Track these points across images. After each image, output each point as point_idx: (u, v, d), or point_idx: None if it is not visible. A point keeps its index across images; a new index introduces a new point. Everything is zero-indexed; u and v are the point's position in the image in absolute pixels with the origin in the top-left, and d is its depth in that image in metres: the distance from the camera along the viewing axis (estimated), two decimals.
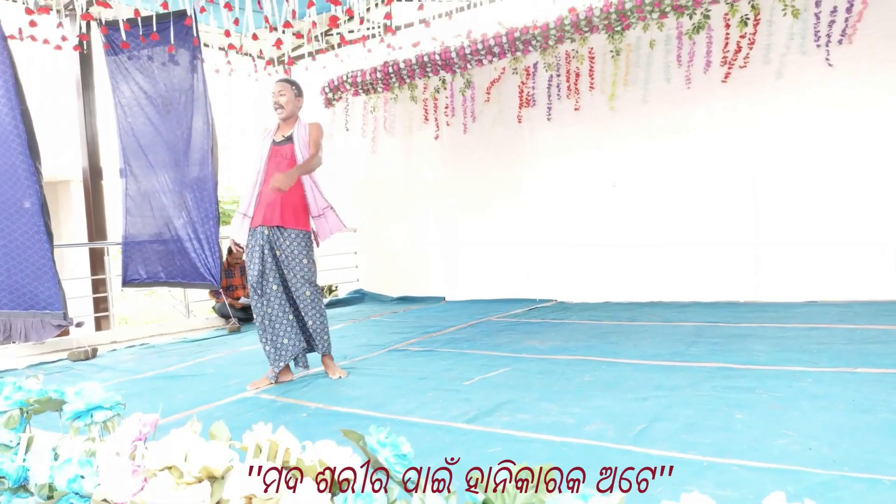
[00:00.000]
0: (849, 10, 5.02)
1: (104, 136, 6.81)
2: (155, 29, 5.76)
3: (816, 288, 5.32)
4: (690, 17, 5.73)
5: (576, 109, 6.56)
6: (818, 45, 5.23)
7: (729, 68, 5.61)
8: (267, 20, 6.00)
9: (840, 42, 5.11)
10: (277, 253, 3.54)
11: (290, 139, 3.59)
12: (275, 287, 3.56)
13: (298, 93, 3.67)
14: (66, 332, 5.47)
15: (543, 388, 3.08)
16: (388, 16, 6.03)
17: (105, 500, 1.35)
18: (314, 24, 6.01)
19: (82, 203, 7.03)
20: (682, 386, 2.91)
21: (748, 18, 5.48)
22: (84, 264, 6.98)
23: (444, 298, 7.64)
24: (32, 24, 5.63)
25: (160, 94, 6.12)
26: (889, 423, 2.21)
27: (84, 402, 1.56)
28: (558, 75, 6.62)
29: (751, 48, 5.50)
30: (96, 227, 6.71)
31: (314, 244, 3.70)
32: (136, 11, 5.80)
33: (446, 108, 7.47)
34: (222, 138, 6.30)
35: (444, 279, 7.68)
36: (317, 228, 3.71)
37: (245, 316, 6.75)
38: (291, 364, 3.74)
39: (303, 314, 3.62)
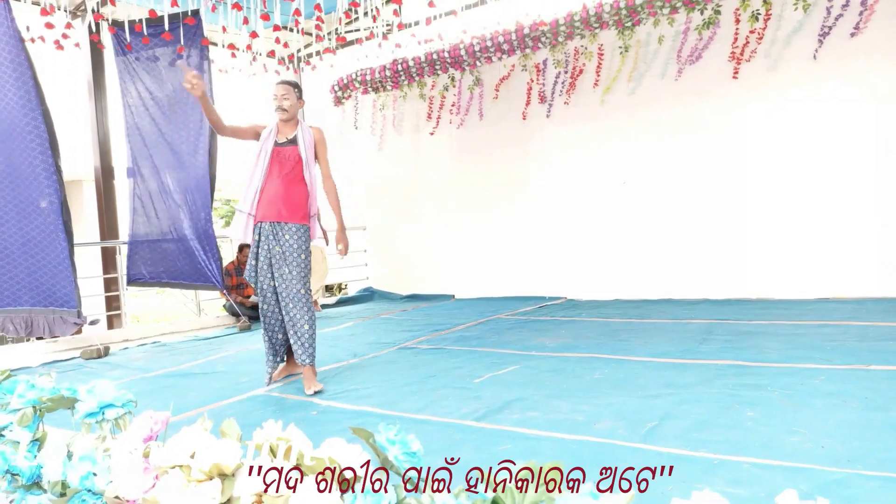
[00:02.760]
0: (863, 2, 4.97)
1: (116, 136, 6.85)
2: (167, 28, 5.79)
3: (828, 285, 5.28)
4: (701, 13, 5.70)
5: (585, 106, 6.54)
6: (820, 42, 5.19)
7: (737, 64, 5.57)
8: (268, 17, 6.02)
9: (853, 35, 5.06)
10: (278, 248, 3.52)
11: (293, 141, 3.61)
12: (266, 285, 3.55)
13: (300, 95, 3.72)
14: (79, 331, 5.53)
15: (553, 385, 3.07)
16: (396, 13, 6.03)
17: (117, 497, 1.36)
18: (319, 20, 5.99)
19: (94, 202, 7.09)
20: (693, 383, 2.89)
21: (759, 13, 5.44)
22: (96, 263, 7.03)
23: (453, 296, 7.64)
24: (48, 25, 5.66)
25: (167, 95, 6.15)
26: None
27: (96, 400, 1.57)
28: (566, 72, 6.60)
29: (759, 43, 5.46)
30: (108, 225, 6.76)
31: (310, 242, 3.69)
32: (152, 12, 5.83)
33: (453, 105, 7.46)
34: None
35: (454, 277, 7.68)
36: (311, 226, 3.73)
37: (255, 314, 6.77)
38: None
39: (291, 315, 3.47)
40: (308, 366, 3.45)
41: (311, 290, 3.55)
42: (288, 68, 8.45)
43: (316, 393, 3.30)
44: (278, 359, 3.62)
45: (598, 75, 6.36)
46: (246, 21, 5.85)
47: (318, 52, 8.02)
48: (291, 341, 3.48)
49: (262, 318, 3.57)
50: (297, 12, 5.64)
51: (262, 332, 3.58)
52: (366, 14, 7.15)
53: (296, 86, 3.70)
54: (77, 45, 6.30)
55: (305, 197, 3.63)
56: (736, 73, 5.60)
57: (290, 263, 3.49)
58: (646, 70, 6.14)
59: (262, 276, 3.54)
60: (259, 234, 3.56)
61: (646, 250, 6.22)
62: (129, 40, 6.01)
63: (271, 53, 8.00)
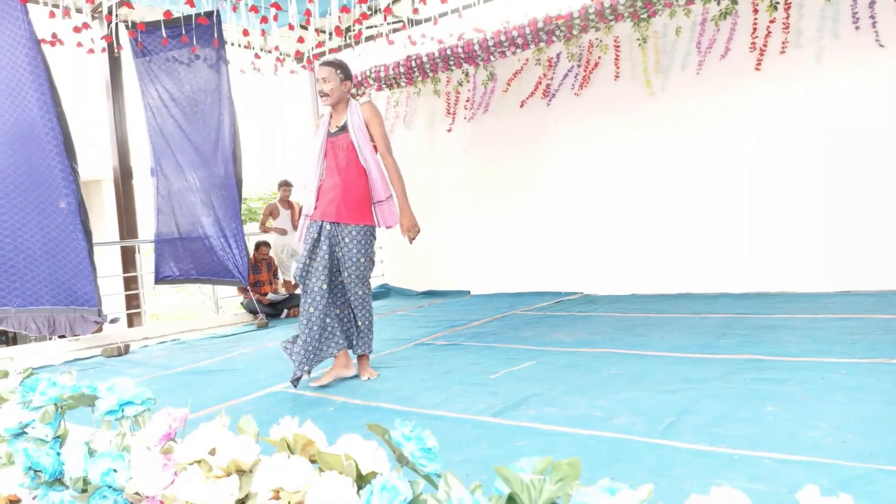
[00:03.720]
0: None
1: (134, 137, 6.93)
2: (183, 31, 5.84)
3: (849, 278, 5.20)
4: (718, 3, 5.63)
5: (601, 99, 6.49)
6: (857, 28, 5.08)
7: (761, 55, 5.49)
8: (276, 18, 6.04)
9: None
10: (336, 250, 3.33)
11: (344, 128, 3.33)
12: (324, 286, 3.27)
13: (345, 76, 3.34)
14: (100, 329, 5.61)
15: (570, 381, 3.05)
16: (416, 11, 6.03)
17: (137, 494, 1.37)
18: (340, 21, 6.03)
19: (113, 202, 7.18)
20: (712, 378, 2.87)
21: (778, 3, 5.36)
22: (116, 262, 7.12)
23: (469, 292, 7.64)
24: (76, 30, 5.73)
25: (186, 95, 6.21)
26: None
27: (116, 398, 1.58)
28: (579, 65, 6.56)
29: (786, 33, 5.37)
30: (127, 225, 6.83)
31: (375, 238, 3.48)
32: (168, 13, 5.88)
33: (467, 101, 7.44)
34: (249, 137, 6.36)
35: (470, 273, 7.67)
36: (379, 215, 3.47)
37: (273, 311, 6.83)
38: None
39: (356, 313, 3.41)
40: (363, 355, 3.48)
41: (370, 290, 3.44)
42: (304, 67, 8.47)
43: (369, 378, 3.41)
44: (309, 363, 3.27)
45: (618, 67, 6.30)
46: (265, 20, 5.88)
47: (331, 51, 8.03)
48: (356, 334, 3.46)
49: (304, 320, 3.26)
50: (308, 13, 5.66)
51: (301, 334, 3.26)
52: (377, 12, 7.16)
53: (339, 65, 3.34)
54: (104, 50, 6.39)
55: (367, 189, 3.38)
56: (759, 64, 5.52)
57: (349, 268, 3.33)
58: (664, 63, 6.07)
59: (315, 278, 3.28)
60: (319, 233, 3.32)
61: (663, 244, 6.16)
62: (143, 42, 6.06)
63: (297, 54, 8.03)
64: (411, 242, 3.50)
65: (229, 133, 6.07)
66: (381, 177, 3.41)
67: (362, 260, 3.35)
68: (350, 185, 3.33)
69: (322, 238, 3.31)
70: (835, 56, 5.23)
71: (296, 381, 3.28)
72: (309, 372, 3.32)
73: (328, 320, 3.36)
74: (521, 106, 6.99)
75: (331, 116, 3.42)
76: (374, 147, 3.41)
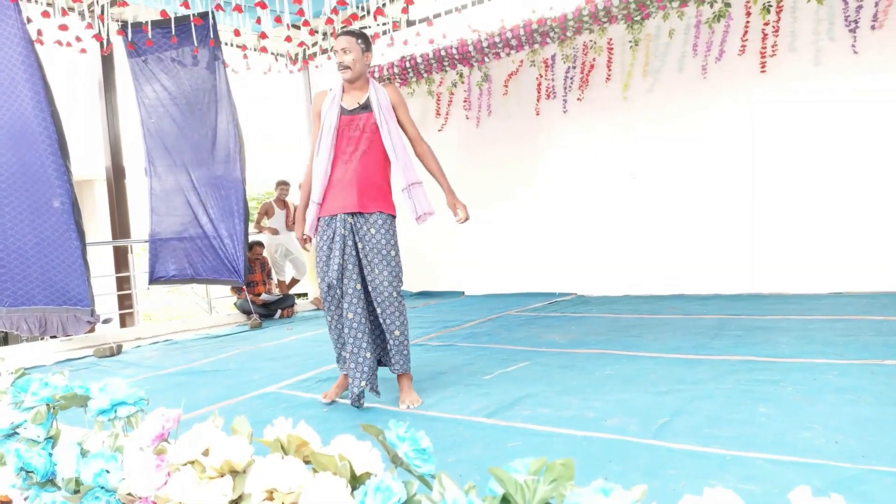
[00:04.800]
0: None
1: (126, 136, 6.89)
2: (174, 31, 5.82)
3: (842, 279, 5.23)
4: (711, 6, 5.65)
5: (594, 101, 6.51)
6: (851, 31, 5.11)
7: (762, 57, 5.51)
8: (279, 20, 6.03)
9: (873, 28, 4.99)
10: (360, 245, 2.92)
11: (366, 107, 2.96)
12: (359, 286, 2.89)
13: (366, 47, 2.97)
14: (92, 329, 5.58)
15: (564, 381, 3.06)
16: (405, 10, 6.03)
17: (130, 495, 1.37)
18: (330, 20, 6.02)
19: (105, 202, 7.14)
20: (705, 379, 2.88)
21: (770, 6, 5.39)
22: (108, 262, 7.09)
23: (463, 293, 7.64)
24: (63, 27, 5.70)
25: (183, 95, 6.18)
26: None
27: (108, 398, 1.58)
28: (574, 67, 6.57)
29: (776, 36, 5.40)
30: (120, 225, 6.80)
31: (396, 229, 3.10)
32: (163, 12, 5.85)
33: (464, 101, 7.45)
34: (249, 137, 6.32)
35: (464, 274, 7.67)
36: (415, 200, 3.14)
37: (266, 312, 6.81)
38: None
39: (385, 322, 2.92)
40: (403, 375, 2.98)
41: (402, 292, 3.00)
42: (301, 69, 8.45)
43: (409, 407, 2.84)
44: (366, 376, 2.86)
45: (609, 70, 6.32)
46: (259, 21, 5.87)
47: (324, 51, 8.02)
48: (390, 350, 2.97)
49: (346, 329, 2.89)
50: (301, 12, 5.66)
51: (347, 345, 2.91)
52: (369, 13, 7.16)
53: (360, 35, 2.95)
54: (103, 51, 6.36)
55: (388, 176, 3.04)
56: (763, 67, 5.53)
57: (378, 264, 2.90)
58: (657, 65, 6.09)
59: (349, 280, 2.89)
60: (335, 227, 2.92)
61: (657, 246, 6.18)
62: (137, 41, 6.04)
63: (288, 54, 8.01)
64: (464, 221, 3.22)
65: (227, 132, 6.04)
66: (410, 160, 3.11)
67: (392, 253, 2.96)
68: (369, 170, 2.96)
69: (346, 233, 2.92)
70: (827, 60, 5.25)
71: (356, 400, 2.87)
72: (371, 388, 2.88)
73: (370, 324, 2.98)
74: (537, 114, 6.96)
75: (343, 90, 3.01)
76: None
